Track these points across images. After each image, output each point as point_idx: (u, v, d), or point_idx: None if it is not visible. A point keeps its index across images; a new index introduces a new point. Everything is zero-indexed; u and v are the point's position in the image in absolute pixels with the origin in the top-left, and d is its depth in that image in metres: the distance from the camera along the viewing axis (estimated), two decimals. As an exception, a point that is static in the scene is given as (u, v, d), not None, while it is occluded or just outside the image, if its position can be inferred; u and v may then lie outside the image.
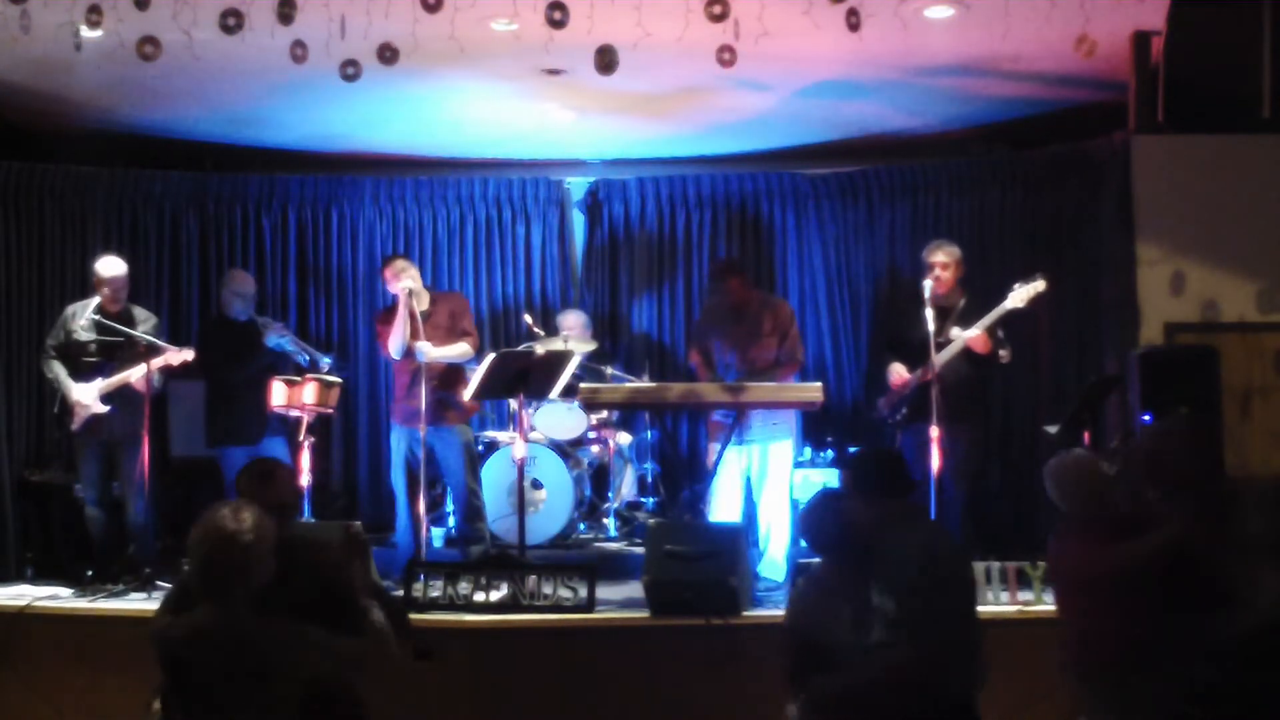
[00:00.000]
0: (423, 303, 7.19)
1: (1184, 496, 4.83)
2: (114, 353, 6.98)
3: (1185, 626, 4.57)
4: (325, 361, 7.45)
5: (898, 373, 6.96)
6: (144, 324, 7.09)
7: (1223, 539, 4.72)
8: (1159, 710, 4.55)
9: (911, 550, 3.97)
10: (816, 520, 4.40)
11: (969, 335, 6.70)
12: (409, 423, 7.05)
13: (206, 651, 3.64)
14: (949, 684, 3.93)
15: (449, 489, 7.67)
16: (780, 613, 5.52)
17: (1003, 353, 6.80)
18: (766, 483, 7.07)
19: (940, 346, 6.74)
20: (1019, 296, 6.69)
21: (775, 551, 6.93)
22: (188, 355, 6.93)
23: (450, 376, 7.17)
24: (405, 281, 7.06)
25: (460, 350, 7.14)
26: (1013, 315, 6.76)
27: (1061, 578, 4.93)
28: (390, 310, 7.16)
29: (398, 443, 7.22)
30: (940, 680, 3.90)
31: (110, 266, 7.07)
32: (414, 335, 6.99)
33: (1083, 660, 4.65)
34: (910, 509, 4.18)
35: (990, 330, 6.73)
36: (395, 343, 7.07)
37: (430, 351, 7.00)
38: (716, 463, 7.04)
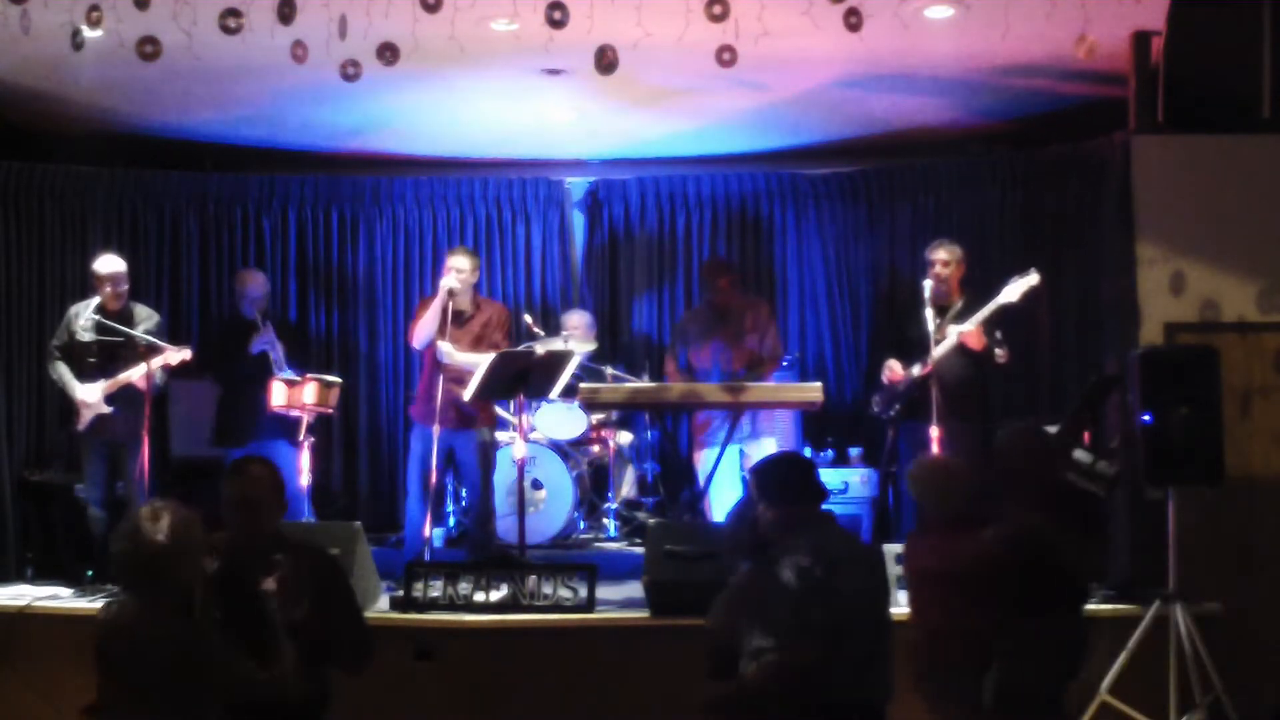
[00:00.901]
0: (465, 305, 7.16)
1: (1031, 496, 4.90)
2: (116, 352, 6.98)
3: (1037, 623, 4.62)
4: (284, 374, 7.43)
5: (891, 367, 6.97)
6: (145, 322, 7.10)
7: (1071, 538, 4.79)
8: (1008, 706, 4.59)
9: (804, 556, 3.97)
10: (729, 526, 4.46)
11: (962, 330, 6.72)
12: (428, 421, 7.04)
13: (123, 644, 3.70)
14: (838, 691, 3.90)
15: (464, 490, 7.67)
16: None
17: (999, 352, 6.80)
18: None
19: (938, 345, 6.75)
20: (1013, 290, 6.71)
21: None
22: (186, 354, 6.94)
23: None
24: (449, 279, 7.03)
25: (482, 361, 7.10)
26: (1008, 311, 6.77)
27: (916, 577, 4.97)
28: (430, 299, 7.15)
29: (416, 440, 7.20)
30: (826, 687, 3.88)
31: (108, 264, 7.08)
32: (441, 334, 6.98)
33: (935, 660, 4.67)
34: (813, 515, 4.16)
35: (985, 327, 6.74)
36: (420, 334, 7.08)
37: (453, 355, 6.98)
38: (716, 463, 7.05)
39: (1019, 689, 4.61)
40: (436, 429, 6.89)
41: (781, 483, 4.22)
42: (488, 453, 7.24)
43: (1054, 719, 4.84)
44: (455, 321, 7.03)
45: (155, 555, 3.64)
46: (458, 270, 7.06)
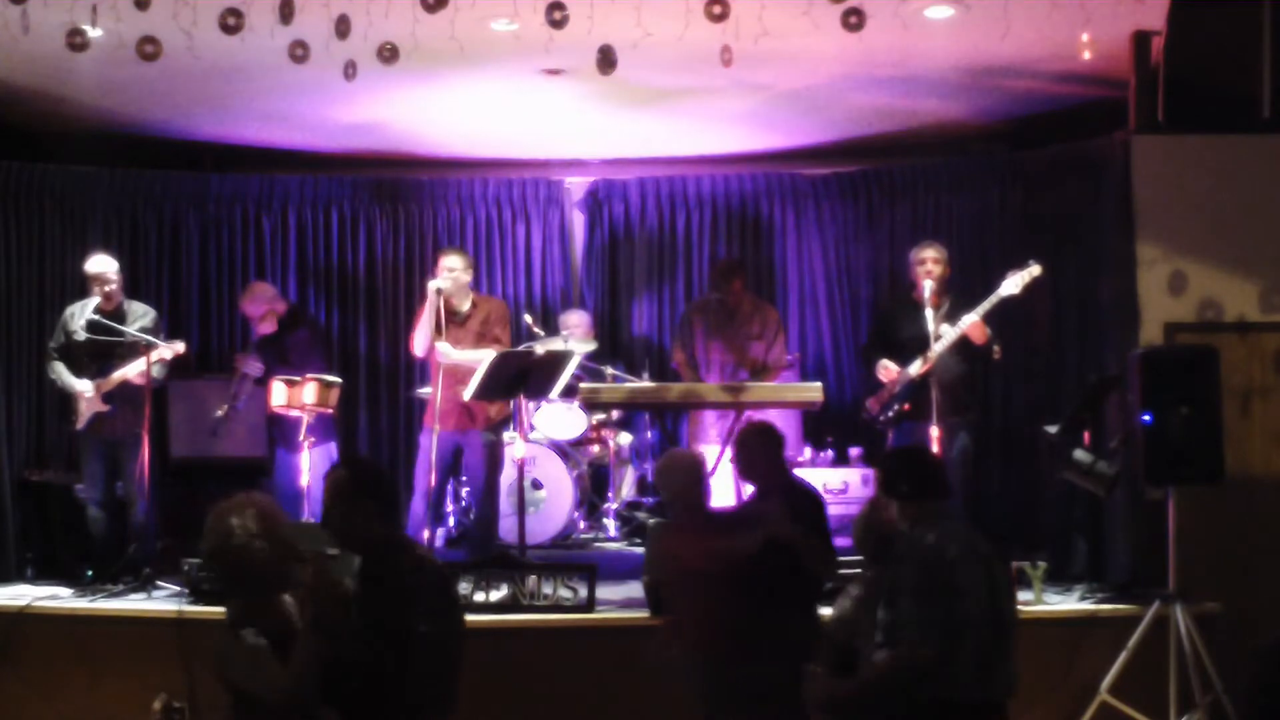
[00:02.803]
0: (462, 304, 7.16)
1: (774, 495, 4.95)
2: (112, 351, 6.98)
3: (783, 621, 4.61)
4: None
5: (885, 368, 6.96)
6: (141, 319, 7.10)
7: (814, 538, 4.83)
8: (760, 703, 4.63)
9: (922, 552, 3.92)
10: (854, 524, 4.45)
11: (968, 321, 6.71)
12: (437, 421, 7.05)
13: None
14: (960, 689, 3.84)
15: (469, 490, 7.68)
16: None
17: (995, 348, 6.81)
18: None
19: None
20: (1014, 283, 6.70)
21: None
22: (179, 348, 6.94)
23: None
24: (435, 281, 7.04)
25: (483, 357, 7.10)
26: (1008, 304, 6.77)
27: (669, 571, 5.01)
28: (425, 305, 7.15)
29: (426, 441, 7.20)
30: (947, 684, 3.83)
31: (98, 263, 7.08)
32: (439, 334, 6.98)
33: (691, 654, 4.69)
34: (935, 510, 4.08)
35: (984, 321, 6.75)
36: (418, 340, 7.08)
37: (450, 354, 6.98)
38: (717, 463, 7.04)
39: (761, 684, 4.68)
40: (436, 429, 6.90)
41: (907, 476, 4.15)
42: (494, 454, 7.20)
43: (792, 713, 4.91)
44: (454, 320, 7.04)
45: (211, 552, 3.64)
46: (449, 269, 7.08)
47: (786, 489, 5.30)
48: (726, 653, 4.72)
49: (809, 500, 5.54)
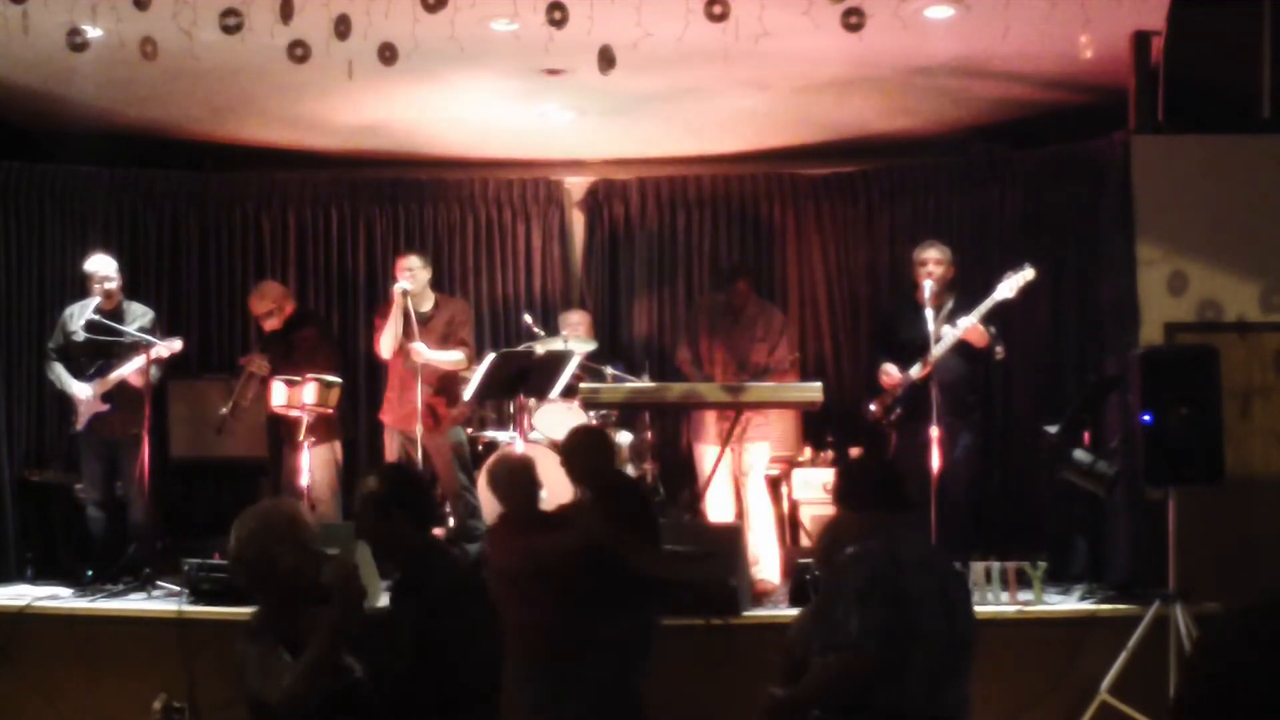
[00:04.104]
0: (425, 304, 7.19)
1: (595, 495, 4.98)
2: (110, 351, 6.99)
3: (608, 620, 4.72)
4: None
5: (888, 373, 6.95)
6: (140, 319, 7.12)
7: (636, 537, 4.86)
8: (586, 703, 4.63)
9: (870, 559, 3.85)
10: (817, 538, 4.44)
11: (965, 324, 6.71)
12: (402, 424, 7.09)
13: None
14: (909, 703, 3.75)
15: (443, 489, 7.70)
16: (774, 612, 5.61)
17: (997, 350, 6.81)
18: (746, 483, 7.11)
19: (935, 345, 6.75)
20: (1009, 286, 6.71)
21: (756, 550, 6.92)
22: (176, 345, 6.96)
23: (444, 382, 7.18)
24: (401, 282, 7.07)
25: (454, 358, 7.16)
26: (1005, 307, 6.77)
27: (496, 572, 5.07)
28: (387, 306, 7.18)
29: (391, 443, 7.26)
30: (895, 698, 3.74)
31: (96, 263, 7.11)
32: (408, 335, 7.00)
33: (517, 654, 4.70)
34: (893, 522, 4.00)
35: (983, 323, 6.75)
36: (385, 342, 7.11)
37: (425, 352, 7.00)
38: (717, 464, 7.04)
39: (591, 685, 4.68)
40: (419, 429, 6.93)
41: (862, 486, 4.09)
42: (459, 449, 7.32)
43: (627, 715, 4.90)
44: (418, 320, 7.07)
45: (237, 557, 3.58)
46: (409, 269, 7.15)
47: (612, 491, 5.29)
48: (543, 654, 4.73)
49: (636, 502, 5.50)
